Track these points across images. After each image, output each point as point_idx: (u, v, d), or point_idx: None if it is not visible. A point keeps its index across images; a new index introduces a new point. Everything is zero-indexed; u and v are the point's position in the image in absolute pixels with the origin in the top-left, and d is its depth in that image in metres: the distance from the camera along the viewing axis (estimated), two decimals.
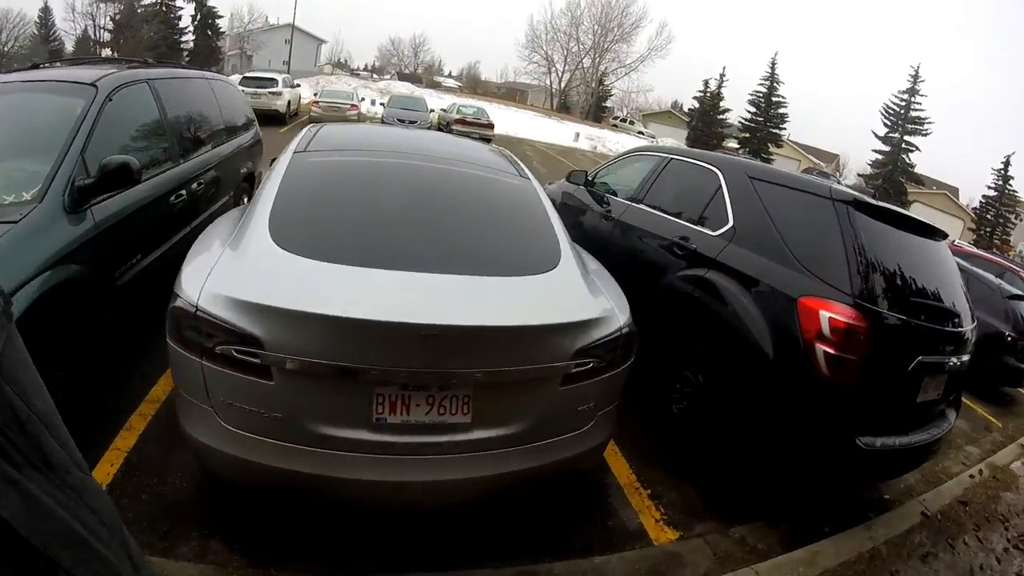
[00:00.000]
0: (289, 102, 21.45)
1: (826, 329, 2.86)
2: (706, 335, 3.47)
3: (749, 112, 49.25)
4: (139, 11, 35.02)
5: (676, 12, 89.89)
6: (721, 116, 50.92)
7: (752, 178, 3.78)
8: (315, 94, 23.41)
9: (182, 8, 37.47)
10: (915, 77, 43.40)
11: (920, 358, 3.01)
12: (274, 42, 46.42)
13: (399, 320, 1.94)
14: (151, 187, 3.57)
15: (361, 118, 22.08)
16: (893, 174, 43.06)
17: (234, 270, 2.13)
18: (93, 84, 3.34)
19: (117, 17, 32.87)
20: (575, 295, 2.46)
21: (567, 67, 53.28)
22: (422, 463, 2.07)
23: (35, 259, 2.47)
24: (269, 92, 20.37)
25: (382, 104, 23.64)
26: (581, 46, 52.64)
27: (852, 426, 2.94)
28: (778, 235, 3.36)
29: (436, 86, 58.30)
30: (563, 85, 53.43)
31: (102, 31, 33.89)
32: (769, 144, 47.58)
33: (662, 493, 3.31)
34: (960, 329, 3.28)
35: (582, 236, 5.34)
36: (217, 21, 38.66)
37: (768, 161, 40.97)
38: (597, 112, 55.11)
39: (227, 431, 2.02)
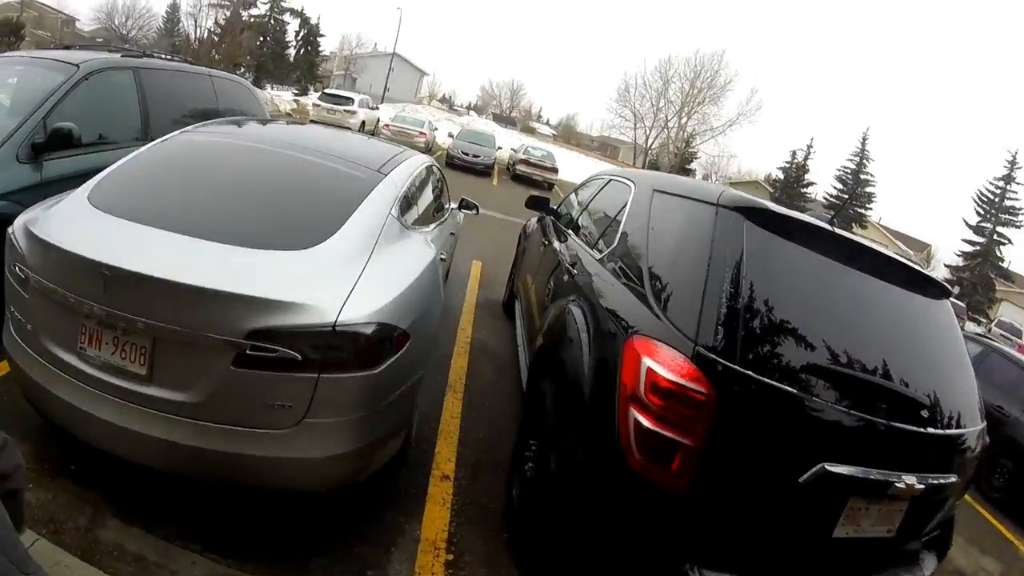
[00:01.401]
0: (364, 122, 22.22)
1: (642, 386, 1.87)
2: (552, 382, 2.62)
3: (835, 188, 46.38)
4: (245, 19, 37.53)
5: (768, 78, 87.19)
6: (804, 189, 48.58)
7: (655, 190, 2.95)
8: (391, 118, 23.97)
9: (288, 23, 40.14)
10: (1012, 163, 39.23)
11: (826, 466, 1.86)
12: (378, 68, 48.62)
13: (87, 255, 2.09)
14: (108, 156, 3.81)
15: (429, 146, 22.55)
16: (983, 267, 39.31)
17: (43, 213, 2.49)
18: (77, 65, 3.98)
19: (222, 22, 35.23)
20: (292, 274, 2.23)
21: (655, 124, 52.78)
22: (106, 402, 2.14)
23: None
24: (344, 110, 21.54)
25: (450, 135, 23.97)
26: (670, 104, 52.08)
27: (683, 551, 1.91)
28: (646, 254, 2.50)
29: (531, 131, 59.28)
30: (650, 143, 52.93)
31: (206, 32, 36.39)
32: (854, 224, 44.69)
33: (467, 565, 2.60)
34: (936, 431, 2.12)
35: (533, 267, 4.80)
36: (319, 39, 41.32)
37: None
38: (681, 173, 54.20)
39: (8, 333, 2.42)
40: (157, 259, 2.12)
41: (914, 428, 2.08)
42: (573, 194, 5.11)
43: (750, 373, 1.85)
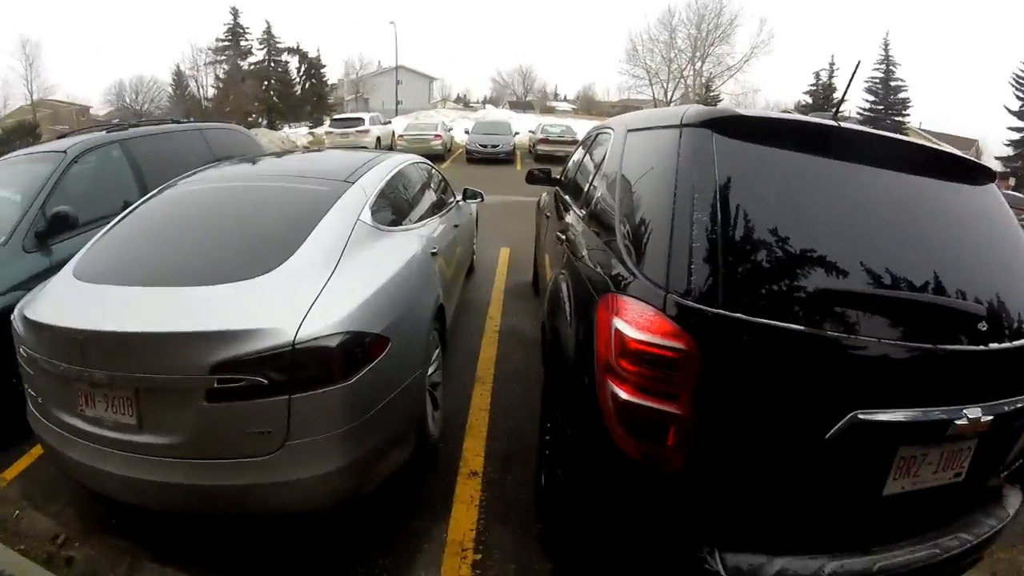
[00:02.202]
0: (379, 138, 22.37)
1: (613, 352, 1.63)
2: (548, 359, 2.47)
3: (867, 101, 43.16)
4: (246, 68, 38.18)
5: (775, 5, 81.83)
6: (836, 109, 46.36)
7: (629, 130, 2.64)
8: (404, 128, 24.01)
9: (288, 62, 40.46)
10: None
11: (859, 415, 1.54)
12: (387, 84, 49.03)
13: (61, 325, 2.20)
14: None
15: (447, 146, 22.54)
16: None
17: (37, 294, 2.60)
18: (64, 151, 4.24)
19: (223, 76, 36.14)
20: (250, 301, 2.19)
21: (670, 76, 51.03)
22: (110, 455, 2.20)
23: None
24: (356, 131, 21.71)
25: (466, 132, 23.87)
26: (680, 53, 50.24)
27: (697, 534, 1.65)
28: (618, 202, 2.23)
29: (551, 111, 58.50)
30: (670, 96, 51.27)
31: (209, 89, 37.49)
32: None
33: (496, 563, 2.45)
34: (1002, 346, 1.72)
35: (543, 242, 4.62)
36: (322, 71, 41.82)
37: None
38: None
39: (30, 411, 2.54)
40: (119, 315, 2.19)
41: (971, 347, 1.68)
42: (572, 158, 4.91)
43: (739, 316, 1.53)
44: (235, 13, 39.24)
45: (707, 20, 47.90)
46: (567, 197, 3.76)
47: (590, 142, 3.88)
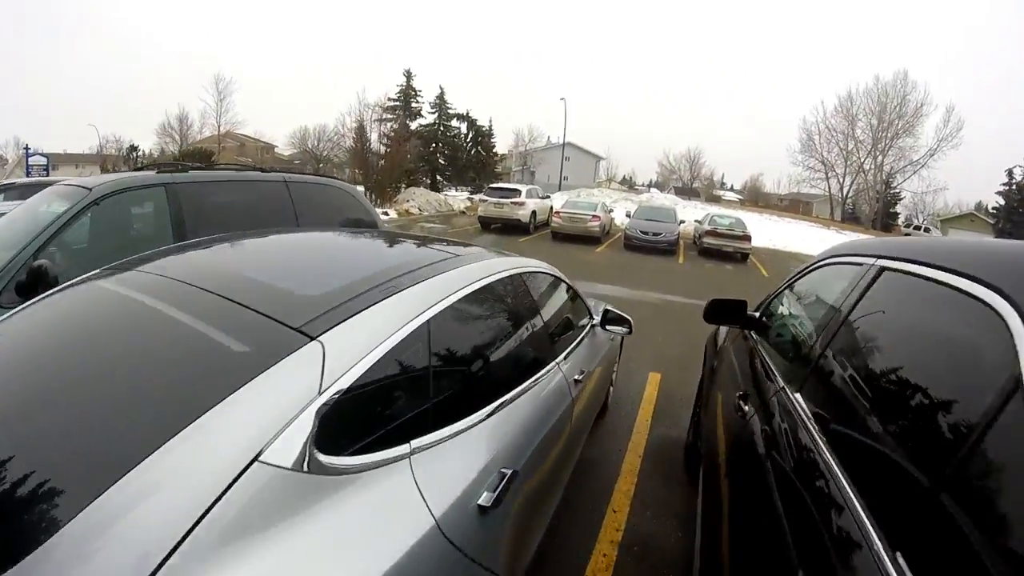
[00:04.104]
0: (534, 212, 21.37)
1: None
2: None
3: None
4: (413, 128, 40.25)
5: (963, 92, 70.43)
6: None
7: None
8: (562, 205, 22.86)
9: (458, 128, 42.69)
10: None
11: None
12: (554, 159, 49.70)
13: None
14: None
15: (605, 229, 21.05)
16: None
17: None
18: (89, 188, 3.66)
19: (391, 134, 37.69)
20: None
21: (847, 170, 46.53)
22: None
23: None
24: (511, 202, 20.82)
25: (628, 215, 22.16)
26: (860, 145, 45.75)
27: None
28: None
29: (716, 200, 56.30)
30: (846, 191, 46.57)
31: (378, 145, 38.74)
32: None
33: None
34: None
35: (724, 427, 2.63)
36: (491, 140, 43.52)
37: None
38: (885, 219, 46.27)
39: None
40: None
41: None
42: (785, 296, 2.89)
43: None
44: (408, 75, 42.30)
45: (889, 110, 43.58)
46: (793, 394, 1.80)
47: (854, 288, 1.87)
